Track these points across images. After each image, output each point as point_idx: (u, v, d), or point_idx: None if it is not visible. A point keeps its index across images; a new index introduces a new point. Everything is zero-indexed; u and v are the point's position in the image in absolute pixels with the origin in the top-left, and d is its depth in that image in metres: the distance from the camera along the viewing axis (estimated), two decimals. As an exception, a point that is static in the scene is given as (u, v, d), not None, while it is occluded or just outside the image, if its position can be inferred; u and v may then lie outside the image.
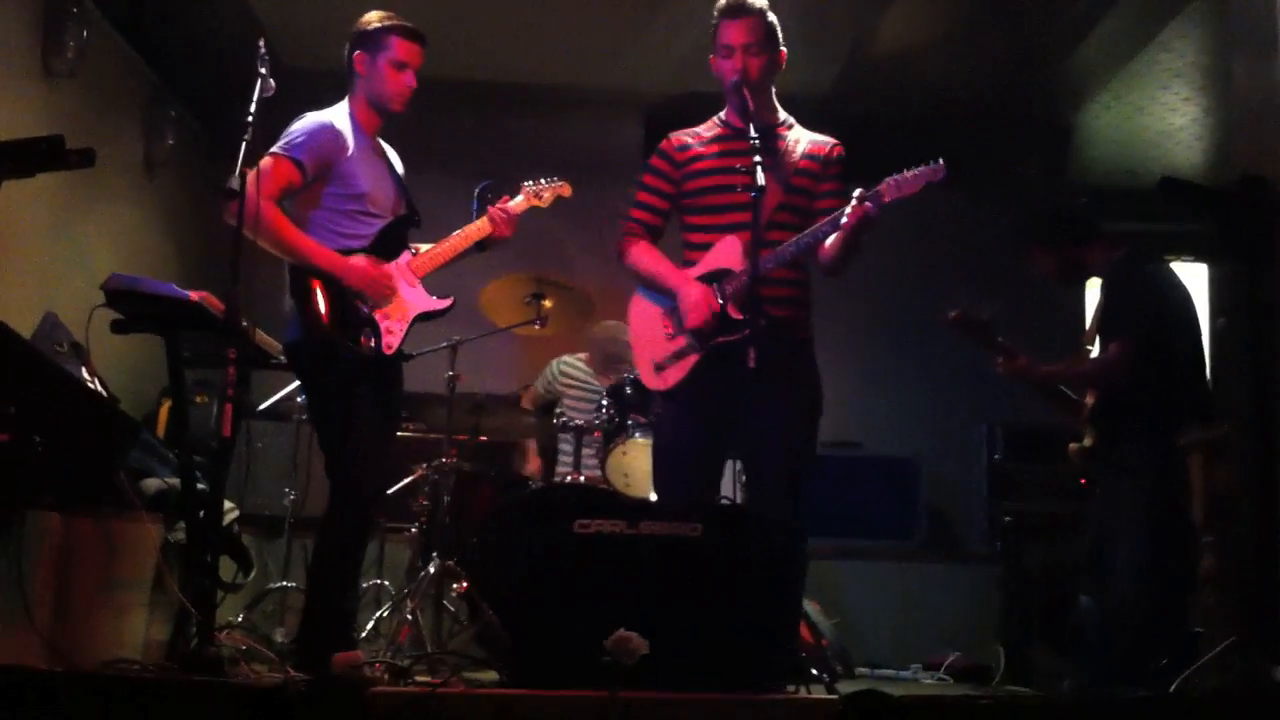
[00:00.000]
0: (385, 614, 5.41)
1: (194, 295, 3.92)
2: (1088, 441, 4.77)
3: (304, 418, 5.85)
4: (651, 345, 4.24)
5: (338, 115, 4.28)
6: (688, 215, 4.30)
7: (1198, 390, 4.68)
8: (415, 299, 4.32)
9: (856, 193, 3.89)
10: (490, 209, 4.57)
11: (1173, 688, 3.92)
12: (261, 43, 3.90)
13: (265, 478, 6.23)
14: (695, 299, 4.09)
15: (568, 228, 7.28)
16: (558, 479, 6.10)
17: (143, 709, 3.00)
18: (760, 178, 3.83)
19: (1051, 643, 6.02)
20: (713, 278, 4.12)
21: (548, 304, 5.87)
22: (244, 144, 3.71)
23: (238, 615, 5.52)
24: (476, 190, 4.67)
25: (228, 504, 4.69)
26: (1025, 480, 6.94)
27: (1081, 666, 4.73)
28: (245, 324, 3.65)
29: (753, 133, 3.96)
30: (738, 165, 4.03)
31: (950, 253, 8.08)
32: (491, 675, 3.84)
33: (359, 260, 4.16)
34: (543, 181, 4.75)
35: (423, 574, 5.33)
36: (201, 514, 3.92)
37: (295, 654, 4.08)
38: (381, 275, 4.19)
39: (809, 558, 4.20)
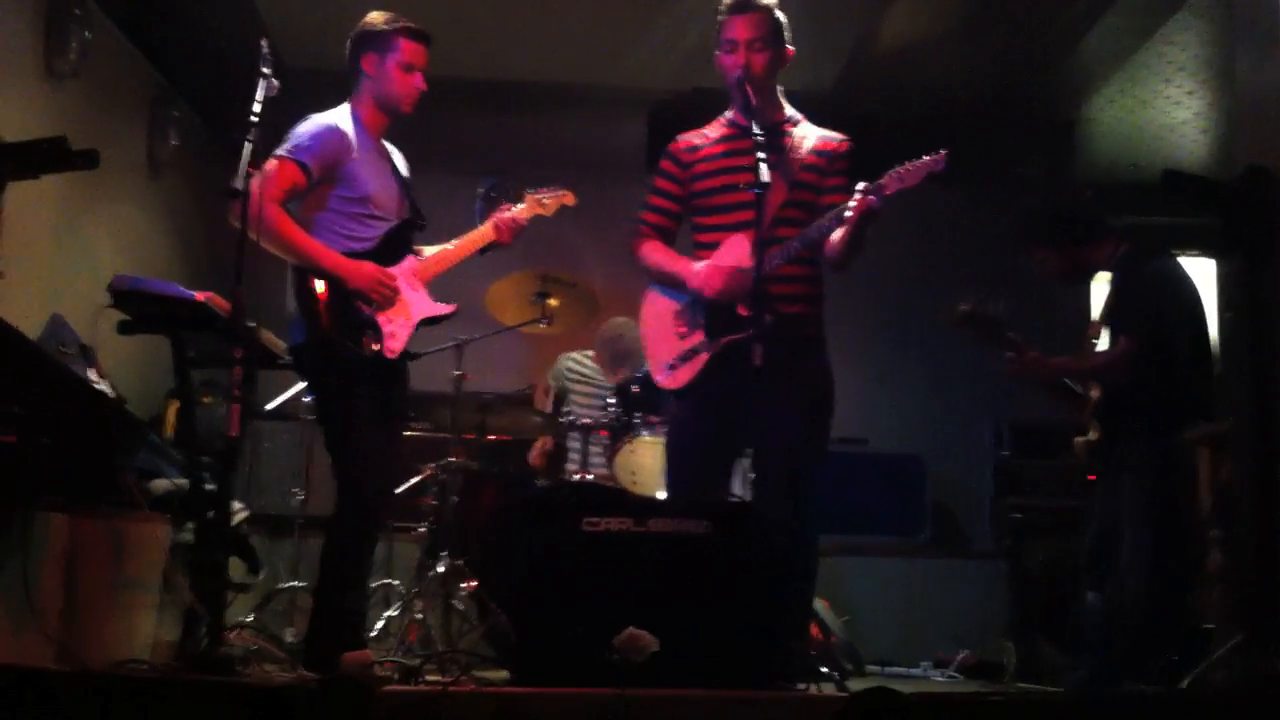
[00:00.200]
0: (394, 613, 5.41)
1: (199, 296, 3.93)
2: (1093, 435, 4.77)
3: (311, 418, 5.85)
4: (664, 344, 4.25)
5: (342, 117, 4.27)
6: (697, 216, 4.31)
7: (1201, 385, 4.67)
8: (419, 303, 4.31)
9: (860, 186, 3.89)
10: (496, 217, 4.56)
11: (1184, 684, 3.92)
12: (264, 43, 3.90)
13: (273, 478, 6.25)
14: (706, 273, 4.10)
15: (572, 226, 7.24)
16: (566, 477, 6.10)
17: (152, 709, 3.00)
18: (765, 174, 3.82)
19: (1054, 639, 6.02)
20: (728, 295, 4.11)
21: (553, 302, 5.86)
22: (247, 144, 3.71)
23: (247, 615, 5.52)
24: (480, 189, 4.67)
25: (236, 504, 4.70)
26: (1031, 476, 6.95)
27: (1084, 663, 4.72)
28: (251, 324, 3.66)
29: (756, 129, 3.96)
30: (742, 164, 4.04)
31: (954, 250, 8.08)
32: (502, 674, 3.84)
33: (363, 264, 4.16)
34: (546, 190, 4.75)
35: (431, 573, 5.33)
36: (210, 514, 3.92)
37: (305, 654, 4.08)
38: (385, 278, 4.19)
39: (818, 556, 4.20)
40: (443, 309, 4.38)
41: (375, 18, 4.34)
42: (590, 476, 5.61)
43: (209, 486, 4.11)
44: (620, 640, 3.15)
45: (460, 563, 5.31)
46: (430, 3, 4.92)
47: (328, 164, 4.15)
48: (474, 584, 5.28)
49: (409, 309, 4.27)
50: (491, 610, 5.00)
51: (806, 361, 4.12)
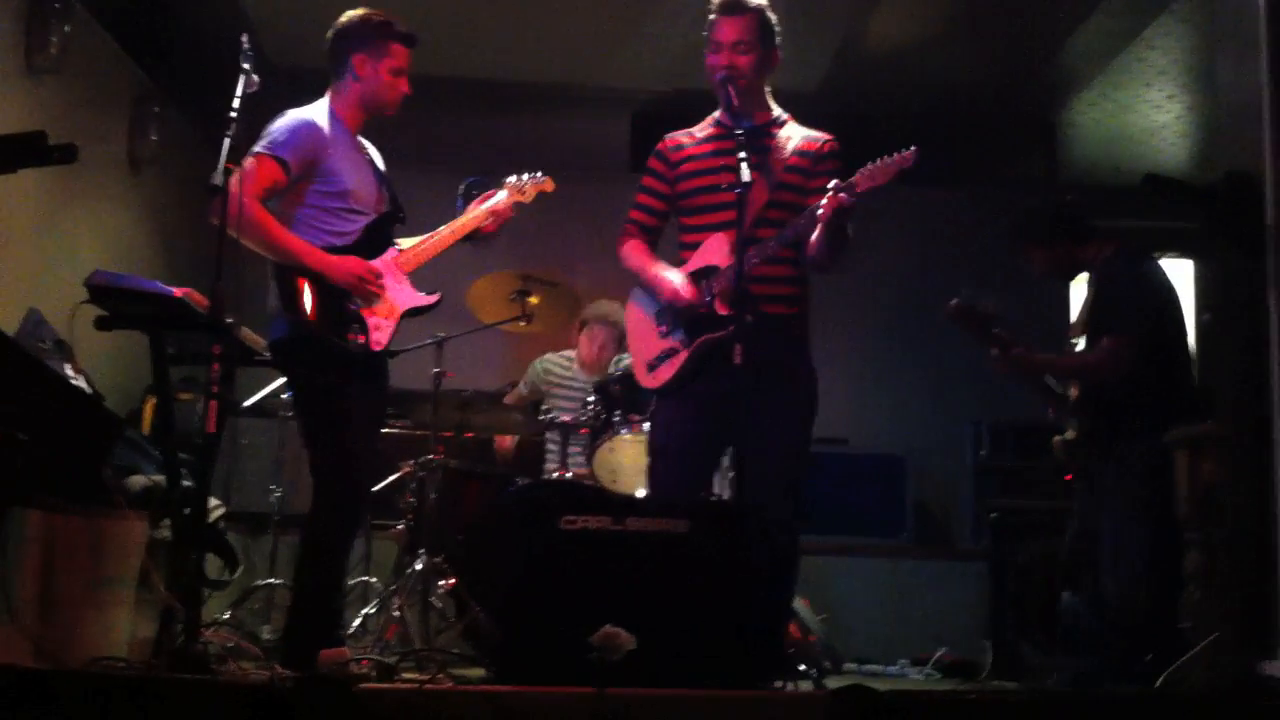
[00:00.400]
0: (372, 611, 5.40)
1: (178, 292, 3.91)
2: (1070, 435, 4.79)
3: (289, 415, 5.85)
4: (645, 343, 4.27)
5: (318, 112, 4.26)
6: (682, 216, 4.32)
7: (1187, 386, 4.71)
8: (402, 295, 4.31)
9: (831, 184, 3.88)
10: (476, 205, 4.57)
11: (1157, 684, 3.94)
12: (245, 39, 3.88)
13: (251, 475, 6.22)
14: (671, 286, 4.11)
15: (555, 225, 7.28)
16: (545, 476, 6.09)
17: (128, 707, 2.98)
18: (745, 174, 3.82)
19: (1033, 639, 6.04)
20: (700, 275, 4.13)
21: (533, 300, 5.86)
22: (227, 140, 3.70)
23: (224, 612, 5.50)
24: (461, 187, 4.67)
25: (213, 501, 4.68)
26: (1011, 476, 6.97)
27: (1066, 663, 4.74)
28: (230, 320, 3.64)
29: (737, 130, 3.97)
30: (725, 164, 4.05)
31: (936, 250, 8.09)
32: (479, 672, 3.84)
33: (347, 259, 4.15)
34: (525, 177, 4.75)
35: (409, 571, 5.32)
36: (186, 511, 3.91)
37: (281, 651, 4.07)
38: (370, 272, 4.18)
39: (799, 554, 4.21)
40: (426, 300, 4.37)
41: (365, 15, 4.32)
42: (569, 475, 5.60)
43: (186, 483, 4.09)
44: (597, 638, 3.15)
45: (438, 560, 5.30)
46: (415, 1, 4.92)
47: (306, 159, 4.14)
48: (452, 582, 5.28)
49: (393, 302, 4.27)
50: (470, 608, 4.99)
51: (792, 362, 4.13)
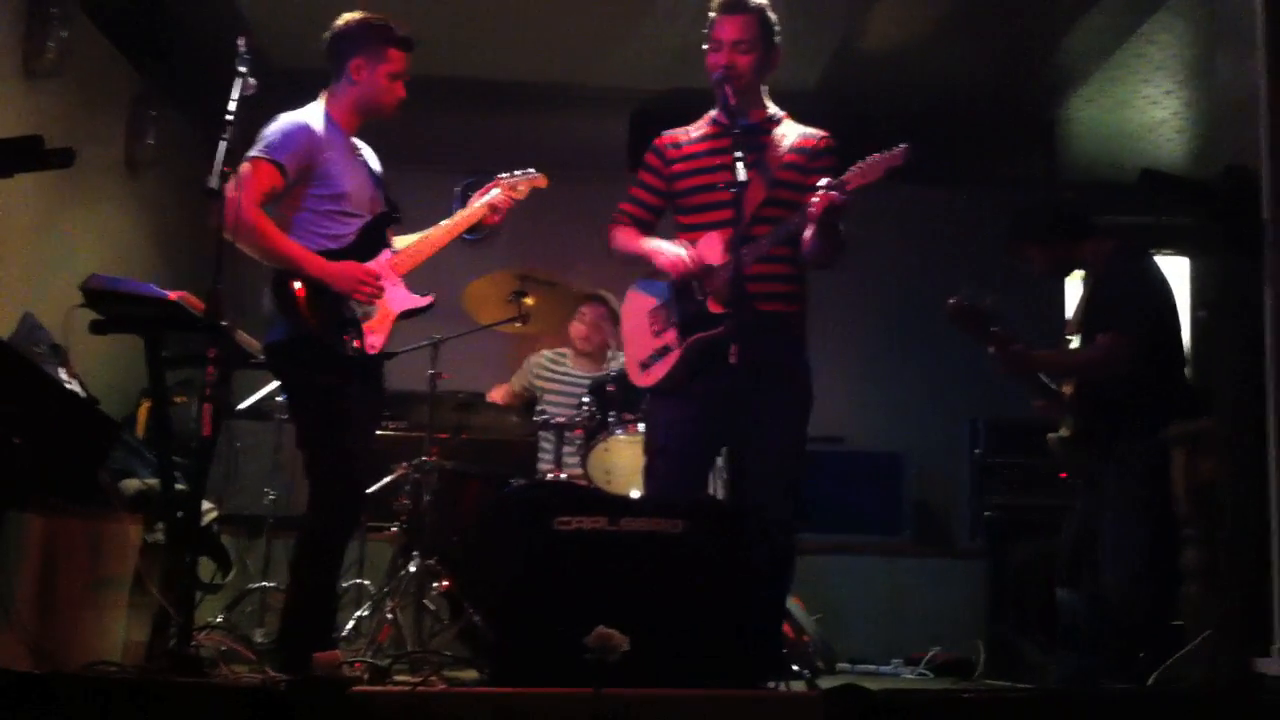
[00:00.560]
0: (365, 613, 5.40)
1: (173, 295, 3.91)
2: (1065, 432, 4.78)
3: (284, 417, 5.84)
4: (639, 342, 4.27)
5: (312, 115, 4.25)
6: (678, 215, 4.33)
7: (1185, 384, 4.71)
8: (397, 297, 4.31)
9: (822, 182, 3.88)
10: (471, 203, 4.57)
11: (1150, 681, 3.94)
12: (242, 41, 3.89)
13: (246, 478, 6.22)
14: (671, 254, 4.11)
15: (553, 225, 7.27)
16: (539, 476, 6.09)
17: (125, 709, 2.99)
18: (741, 173, 3.82)
19: (1033, 637, 6.04)
20: (695, 275, 4.12)
21: (530, 301, 5.85)
22: (223, 143, 3.69)
23: (217, 616, 5.50)
24: (458, 189, 4.68)
25: (207, 504, 4.69)
26: (1008, 474, 6.96)
27: (1064, 660, 4.73)
28: (225, 323, 3.64)
29: (734, 128, 3.97)
30: (721, 162, 4.05)
31: (933, 248, 8.07)
32: (473, 674, 3.84)
33: (346, 264, 4.15)
34: (517, 173, 4.74)
35: (403, 573, 5.31)
36: (179, 514, 3.91)
37: (275, 654, 4.07)
38: (369, 276, 4.18)
39: (795, 554, 4.21)
40: (421, 301, 4.36)
41: (364, 18, 4.31)
42: (564, 475, 5.60)
43: (180, 486, 4.09)
44: (592, 639, 3.14)
45: (432, 562, 5.30)
46: (412, 2, 4.92)
47: (301, 162, 4.14)
48: (446, 584, 5.27)
49: (387, 304, 4.27)
50: (465, 610, 4.99)
51: (789, 361, 4.13)
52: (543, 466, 6.15)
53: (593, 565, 3.52)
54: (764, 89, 4.32)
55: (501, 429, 6.46)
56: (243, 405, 6.12)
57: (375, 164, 4.45)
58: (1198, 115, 7.62)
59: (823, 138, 4.26)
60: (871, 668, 6.56)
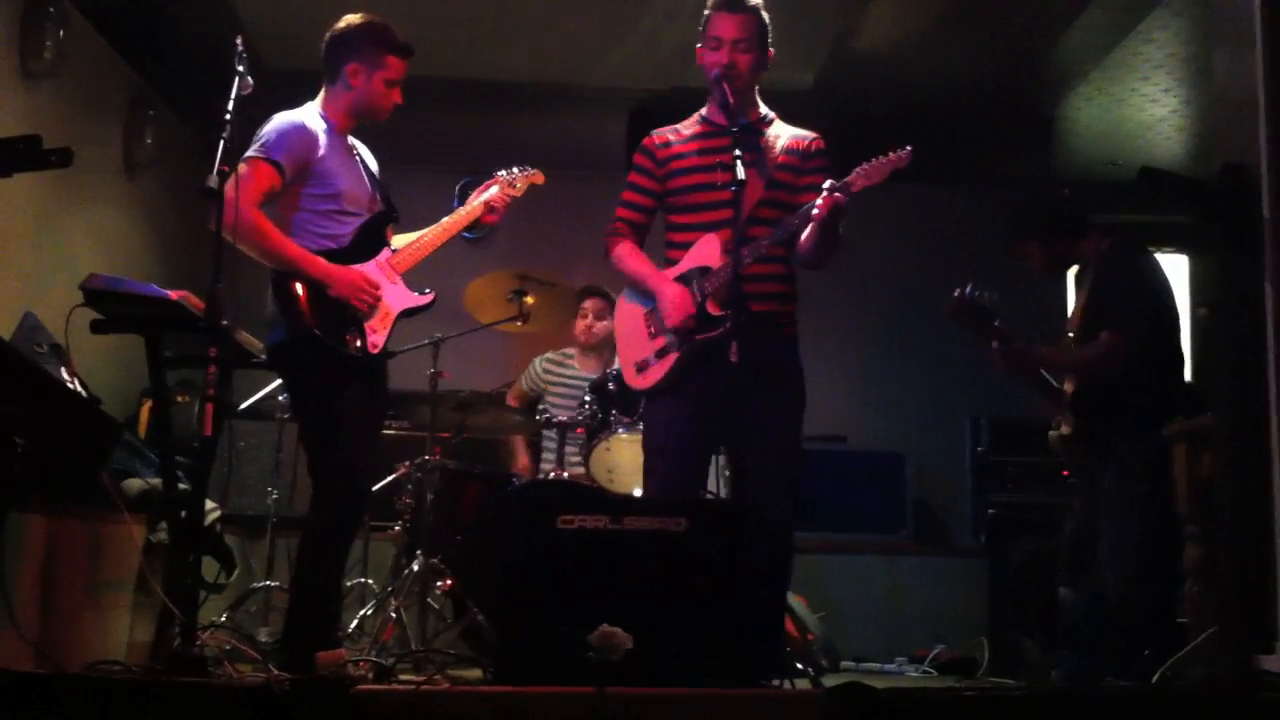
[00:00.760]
0: (369, 613, 5.40)
1: (174, 295, 3.90)
2: (1065, 430, 4.78)
3: (286, 417, 5.85)
4: (634, 345, 4.26)
5: (308, 114, 4.24)
6: (670, 214, 4.31)
7: (1185, 382, 4.71)
8: (397, 296, 4.30)
9: (826, 184, 3.89)
10: (470, 201, 4.57)
11: (1154, 679, 3.94)
12: (239, 41, 3.88)
13: (248, 477, 6.22)
14: (673, 298, 4.09)
15: (552, 224, 7.28)
16: (541, 475, 6.09)
17: (128, 710, 2.99)
18: (740, 172, 3.83)
19: (1035, 635, 6.04)
20: (691, 276, 4.12)
21: (530, 301, 5.85)
22: (220, 143, 3.69)
23: (221, 615, 5.51)
24: (458, 187, 4.68)
25: (210, 504, 4.68)
26: (1009, 472, 6.96)
27: (1065, 659, 4.74)
28: (226, 323, 3.64)
29: (732, 127, 3.97)
30: (718, 161, 4.04)
31: (933, 247, 8.08)
32: (476, 673, 3.84)
33: (349, 270, 4.15)
34: (515, 170, 4.74)
35: (407, 572, 5.31)
36: (183, 514, 3.90)
37: (279, 653, 4.07)
38: (368, 284, 4.17)
39: (795, 552, 4.21)
40: (421, 300, 4.35)
41: (361, 20, 4.30)
42: (566, 475, 5.60)
43: (183, 486, 4.09)
44: (594, 638, 3.15)
45: (436, 561, 5.30)
46: (410, 2, 4.91)
47: (298, 162, 4.13)
48: (449, 583, 5.27)
49: (387, 303, 4.26)
50: (468, 609, 4.99)
51: (785, 361, 4.14)
52: (545, 466, 6.15)
53: (595, 564, 3.52)
54: (756, 89, 4.32)
55: (502, 428, 6.47)
56: (244, 405, 6.12)
57: (372, 163, 4.44)
58: (1196, 113, 7.62)
59: (814, 139, 4.27)
60: (876, 666, 6.56)
